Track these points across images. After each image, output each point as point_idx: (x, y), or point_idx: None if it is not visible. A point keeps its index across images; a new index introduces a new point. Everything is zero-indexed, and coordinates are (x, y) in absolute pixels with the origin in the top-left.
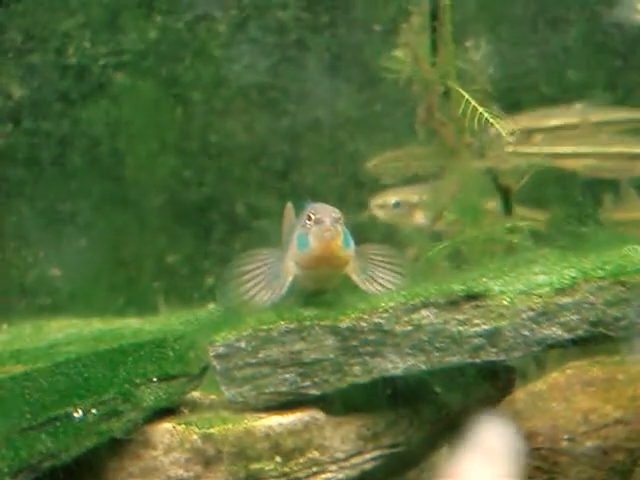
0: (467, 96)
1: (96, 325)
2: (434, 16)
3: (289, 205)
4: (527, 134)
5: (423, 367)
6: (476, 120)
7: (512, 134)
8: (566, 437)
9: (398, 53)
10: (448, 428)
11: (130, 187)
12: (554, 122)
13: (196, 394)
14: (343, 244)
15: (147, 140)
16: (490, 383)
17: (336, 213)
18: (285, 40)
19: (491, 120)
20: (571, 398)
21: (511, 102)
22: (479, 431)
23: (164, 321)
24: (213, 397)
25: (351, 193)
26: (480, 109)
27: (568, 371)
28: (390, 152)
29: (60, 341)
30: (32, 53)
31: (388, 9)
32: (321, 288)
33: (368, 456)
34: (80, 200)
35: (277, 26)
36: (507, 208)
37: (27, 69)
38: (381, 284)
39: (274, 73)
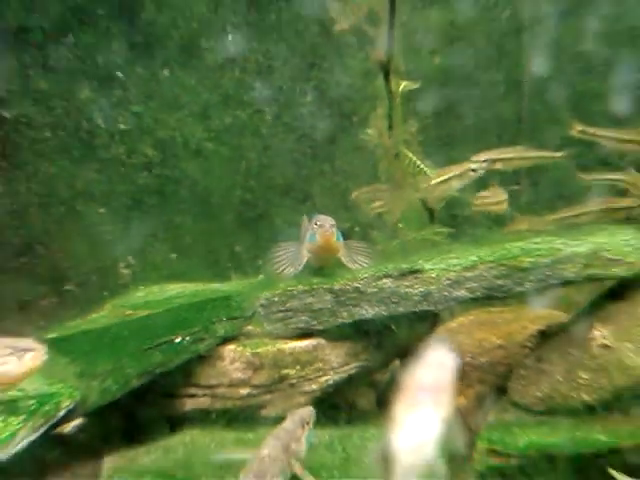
0: (409, 155)
1: (193, 287)
2: (391, 109)
3: (304, 217)
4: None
5: (384, 313)
6: (414, 169)
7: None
8: (469, 355)
9: (370, 131)
10: (399, 350)
11: (215, 208)
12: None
13: (249, 328)
14: (336, 239)
15: (225, 181)
16: (424, 323)
17: (332, 221)
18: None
19: (423, 168)
20: (471, 332)
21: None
22: (422, 350)
23: (233, 285)
24: (259, 330)
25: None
26: (417, 163)
27: (470, 317)
28: (365, 188)
29: (172, 296)
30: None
31: (363, 105)
32: (323, 266)
33: (352, 366)
34: (187, 215)
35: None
36: (432, 220)
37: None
38: (359, 263)
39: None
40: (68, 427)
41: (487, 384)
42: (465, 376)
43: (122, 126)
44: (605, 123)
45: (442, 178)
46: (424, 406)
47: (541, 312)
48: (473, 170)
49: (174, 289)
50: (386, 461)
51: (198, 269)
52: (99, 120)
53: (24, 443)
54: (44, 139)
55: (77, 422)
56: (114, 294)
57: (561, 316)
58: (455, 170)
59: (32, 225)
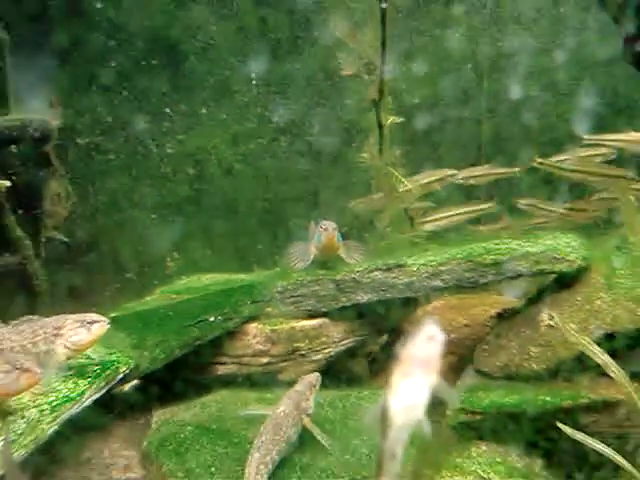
0: (395, 173)
1: (224, 277)
2: (381, 137)
3: (312, 222)
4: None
5: (375, 299)
6: (400, 184)
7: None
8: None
9: (364, 155)
10: (387, 328)
11: (241, 214)
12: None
13: (268, 310)
14: (337, 240)
15: (249, 193)
16: (407, 307)
17: (334, 225)
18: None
19: (406, 184)
20: (443, 314)
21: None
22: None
23: (255, 276)
24: (276, 311)
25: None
26: (402, 180)
27: (442, 301)
28: (360, 199)
29: (207, 284)
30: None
31: (359, 135)
32: (326, 261)
33: (350, 340)
34: (219, 220)
35: None
36: (412, 225)
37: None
38: (355, 259)
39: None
40: (127, 387)
41: (456, 355)
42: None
43: (169, 150)
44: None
45: (422, 181)
46: (416, 375)
47: (499, 299)
48: (450, 176)
49: (209, 279)
50: (382, 421)
51: (228, 263)
52: (151, 146)
53: (90, 400)
54: (108, 160)
55: (134, 383)
56: (162, 283)
57: (515, 302)
58: (433, 176)
59: (99, 228)
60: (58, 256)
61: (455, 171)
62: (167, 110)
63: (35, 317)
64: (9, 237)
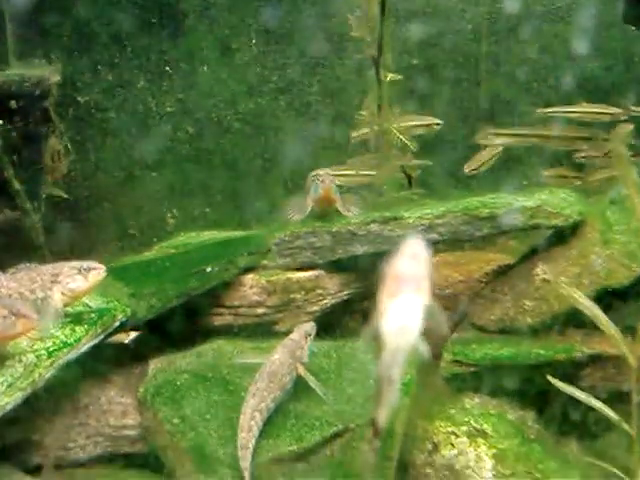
0: (394, 131)
1: (223, 234)
2: (380, 95)
3: (309, 176)
4: None
5: (371, 250)
6: (398, 142)
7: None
8: (437, 288)
9: (363, 113)
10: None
11: (240, 173)
12: None
13: (265, 262)
14: (334, 192)
15: (248, 152)
16: None
17: (331, 177)
18: None
19: (405, 141)
20: (439, 269)
21: None
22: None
23: (253, 231)
24: (272, 263)
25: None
26: (400, 137)
27: (438, 257)
28: (358, 157)
29: (205, 238)
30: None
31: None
32: (323, 214)
33: (345, 292)
34: (218, 179)
35: None
36: (410, 184)
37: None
38: (352, 212)
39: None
40: (128, 339)
41: (451, 309)
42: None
43: (169, 109)
44: None
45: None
46: (405, 293)
47: (495, 256)
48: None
49: (207, 235)
50: (376, 344)
51: (227, 221)
52: (151, 104)
53: (87, 347)
54: (109, 119)
55: (135, 335)
56: (161, 239)
57: (510, 260)
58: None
59: (100, 186)
60: (58, 213)
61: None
62: (167, 68)
63: (33, 265)
64: (8, 192)
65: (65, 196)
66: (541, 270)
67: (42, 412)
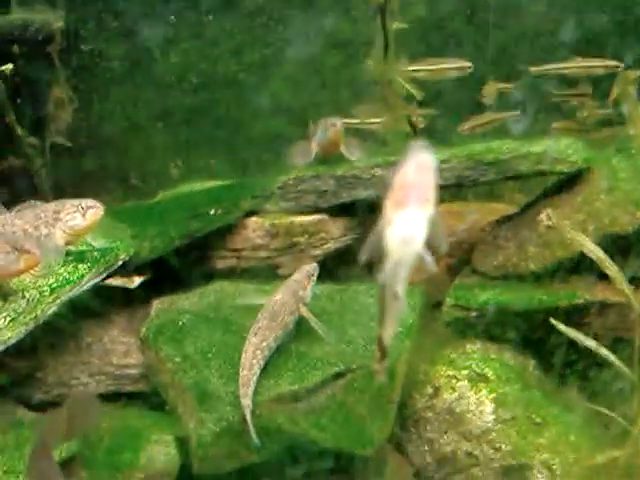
0: (400, 80)
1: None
2: (386, 43)
3: (311, 123)
4: None
5: (375, 194)
6: (403, 90)
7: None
8: None
9: (369, 61)
10: None
11: (245, 123)
12: None
13: (268, 206)
14: (342, 137)
15: (253, 102)
16: None
17: (341, 121)
18: None
19: (410, 89)
20: (442, 218)
21: None
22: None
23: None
24: (276, 208)
25: None
26: (405, 85)
27: (442, 207)
28: (364, 105)
29: (209, 184)
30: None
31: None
32: (327, 158)
33: (348, 237)
34: (223, 130)
35: None
36: (415, 133)
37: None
38: (357, 156)
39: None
40: (134, 283)
41: (454, 257)
42: (436, 251)
43: (174, 59)
44: None
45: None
46: (411, 204)
47: (499, 207)
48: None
49: (211, 185)
50: (379, 256)
51: (231, 172)
52: (156, 54)
53: (90, 284)
54: (113, 68)
55: (141, 280)
56: (165, 190)
57: (515, 210)
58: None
59: (104, 135)
60: (62, 162)
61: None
62: (172, 18)
63: (37, 202)
64: (12, 139)
65: (69, 144)
66: (545, 216)
67: (45, 349)
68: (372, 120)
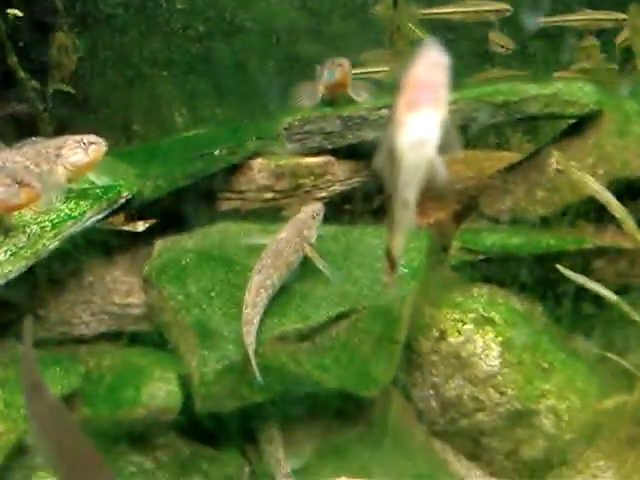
0: (410, 25)
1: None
2: None
3: (318, 66)
4: None
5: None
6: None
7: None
8: (448, 183)
9: (378, 8)
10: None
11: (251, 73)
12: None
13: (274, 148)
14: (349, 77)
15: (259, 51)
16: None
17: (348, 62)
18: None
19: (420, 34)
20: (450, 165)
21: None
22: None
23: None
24: (281, 149)
25: None
26: (414, 30)
27: (449, 156)
28: (372, 51)
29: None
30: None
31: None
32: (334, 100)
33: (354, 180)
34: (229, 79)
35: None
36: None
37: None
38: (363, 98)
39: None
40: (140, 227)
41: (461, 204)
42: (444, 198)
43: (179, 6)
44: None
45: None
46: (423, 105)
47: (508, 155)
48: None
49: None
50: (390, 162)
51: (237, 120)
52: (161, 1)
53: (92, 221)
54: (117, 15)
55: (146, 224)
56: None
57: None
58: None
59: (109, 83)
60: (66, 110)
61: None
62: None
63: (38, 138)
64: (15, 83)
65: (72, 92)
66: (555, 160)
67: (47, 288)
68: (380, 69)
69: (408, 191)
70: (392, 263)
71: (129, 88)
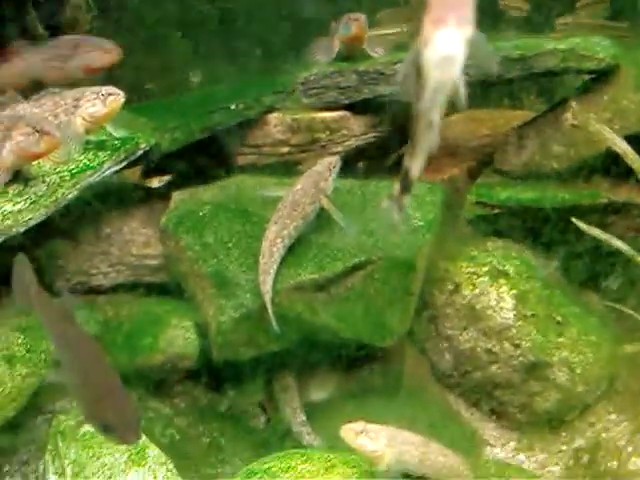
0: None
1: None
2: None
3: (333, 23)
4: None
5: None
6: None
7: None
8: (462, 140)
9: None
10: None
11: (264, 32)
12: None
13: (290, 102)
14: (366, 32)
15: (272, 11)
16: None
17: (364, 16)
18: None
19: None
20: (466, 124)
21: None
22: None
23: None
24: (297, 104)
25: None
26: None
27: (465, 113)
28: (388, 10)
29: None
30: None
31: None
32: (350, 55)
33: (370, 135)
34: (242, 39)
35: None
36: None
37: None
38: (379, 53)
39: None
40: (156, 183)
41: (475, 160)
42: (459, 155)
43: None
44: None
45: None
46: (451, 21)
47: (523, 113)
48: None
49: None
50: (415, 79)
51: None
52: None
53: (110, 171)
54: None
55: (162, 181)
56: None
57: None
58: None
59: (122, 45)
60: None
61: None
62: None
63: (56, 90)
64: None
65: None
66: (571, 115)
67: (66, 238)
68: (395, 30)
69: (432, 111)
70: (407, 185)
71: (143, 48)
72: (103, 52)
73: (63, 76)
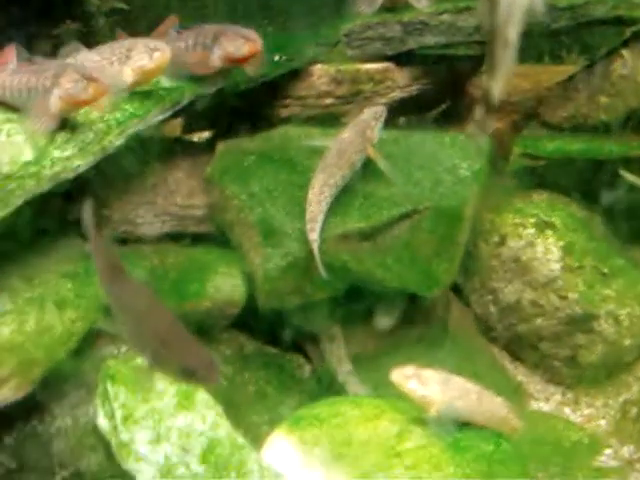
0: None
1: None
2: None
3: None
4: None
5: (443, 41)
6: None
7: None
8: (505, 95)
9: None
10: (452, 79)
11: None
12: None
13: (334, 54)
14: None
15: None
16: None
17: None
18: None
19: None
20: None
21: None
22: None
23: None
24: (341, 56)
25: None
26: None
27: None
28: None
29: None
30: None
31: None
32: (394, 6)
33: (414, 87)
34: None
35: None
36: None
37: None
38: (423, 4)
39: None
40: (195, 138)
41: (519, 114)
42: (502, 109)
43: None
44: None
45: None
46: None
47: (567, 68)
48: None
49: None
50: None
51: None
52: None
53: (156, 119)
54: None
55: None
56: None
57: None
58: None
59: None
60: (117, 25)
61: None
62: None
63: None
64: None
65: (125, 7)
66: (620, 65)
67: (111, 188)
68: None
69: (509, 28)
70: (490, 105)
71: (180, 5)
72: (244, 41)
73: (204, 67)
